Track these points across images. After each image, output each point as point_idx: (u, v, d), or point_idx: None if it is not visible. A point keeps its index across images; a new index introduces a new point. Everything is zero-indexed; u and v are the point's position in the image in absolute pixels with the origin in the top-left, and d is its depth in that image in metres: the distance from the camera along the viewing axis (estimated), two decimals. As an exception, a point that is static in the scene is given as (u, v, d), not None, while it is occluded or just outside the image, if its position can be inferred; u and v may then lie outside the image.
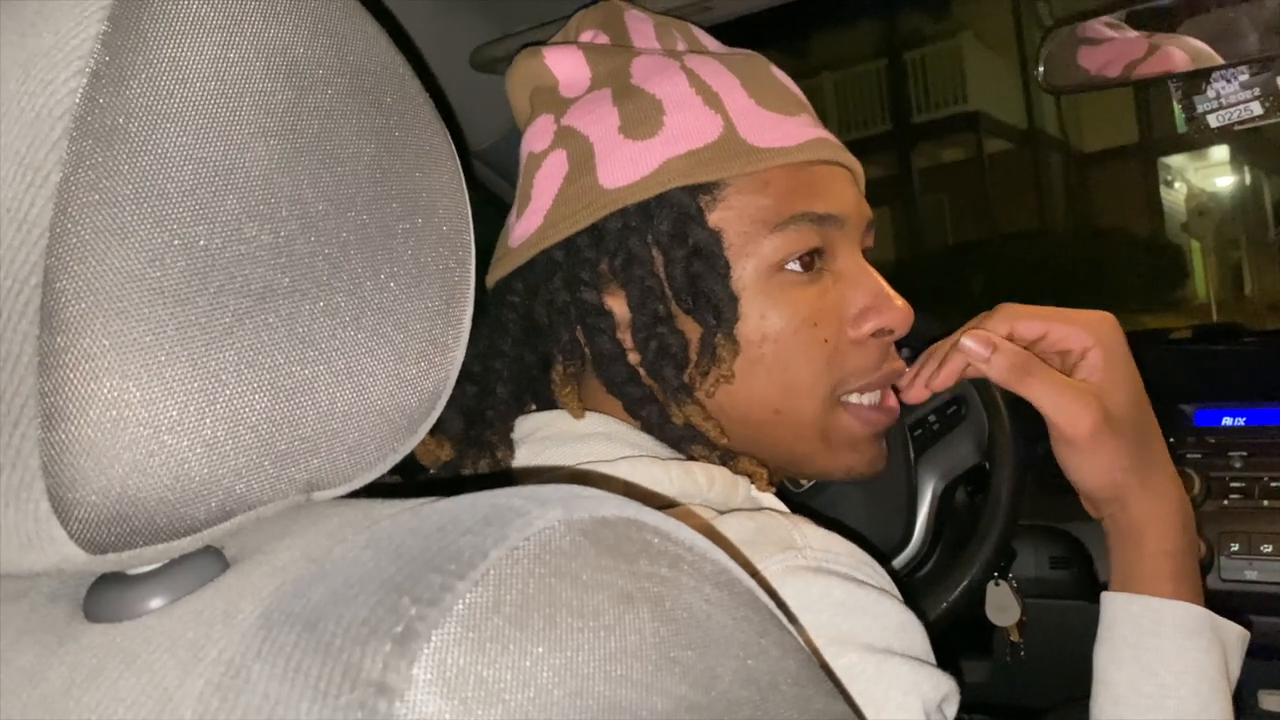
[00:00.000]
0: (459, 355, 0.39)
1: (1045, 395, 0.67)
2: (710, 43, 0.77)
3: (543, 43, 0.75)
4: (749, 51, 0.74)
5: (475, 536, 0.29)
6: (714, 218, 0.66)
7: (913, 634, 0.56)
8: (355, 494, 0.38)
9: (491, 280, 0.74)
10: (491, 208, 1.20)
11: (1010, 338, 0.70)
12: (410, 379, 0.36)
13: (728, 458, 0.66)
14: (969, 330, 0.70)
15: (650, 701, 0.28)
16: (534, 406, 0.72)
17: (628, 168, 0.66)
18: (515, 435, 0.69)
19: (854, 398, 0.70)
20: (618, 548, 0.31)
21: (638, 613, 0.30)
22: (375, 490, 0.38)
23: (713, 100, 0.67)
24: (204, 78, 0.33)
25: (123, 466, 0.30)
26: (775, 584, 0.52)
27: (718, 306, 0.65)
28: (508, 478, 0.66)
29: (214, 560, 0.34)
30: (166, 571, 0.33)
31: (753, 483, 0.65)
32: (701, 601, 0.32)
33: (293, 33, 0.35)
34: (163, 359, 0.30)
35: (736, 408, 0.67)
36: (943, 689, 0.54)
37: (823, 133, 0.70)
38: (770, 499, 0.65)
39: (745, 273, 0.66)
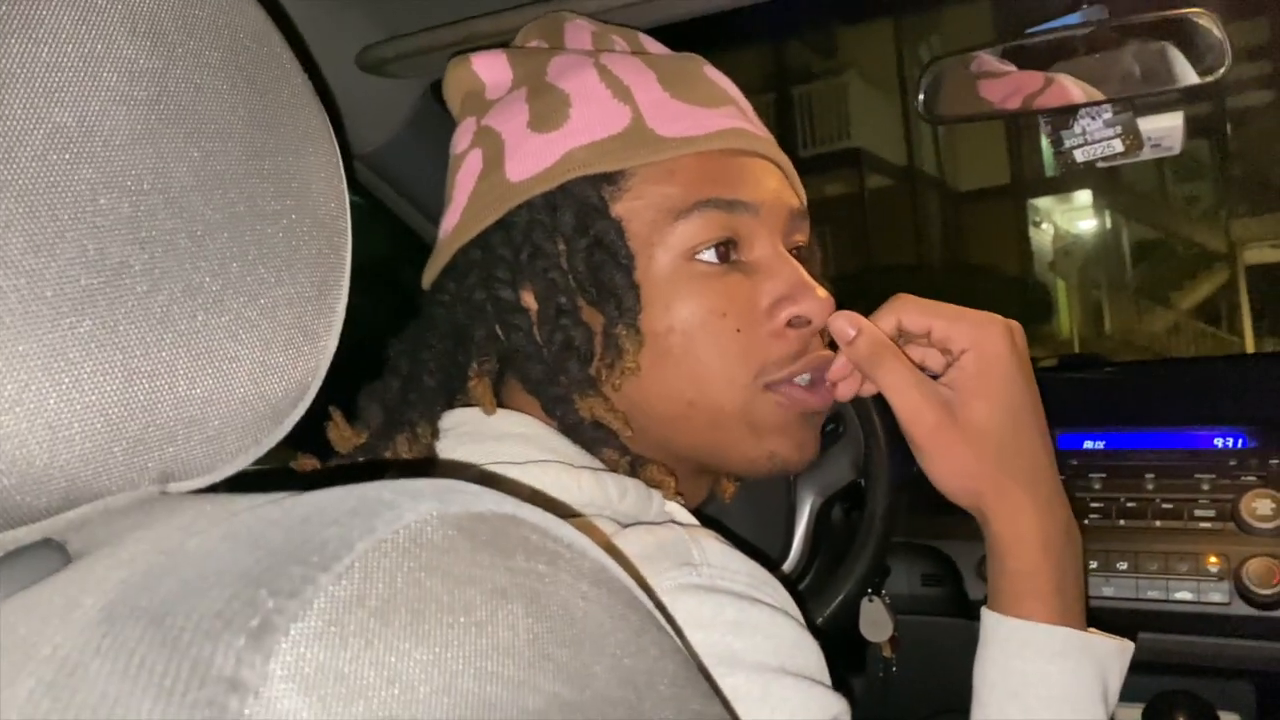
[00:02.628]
0: (331, 344, 0.37)
1: (893, 386, 0.66)
2: (654, 47, 0.77)
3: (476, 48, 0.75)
4: (689, 54, 0.74)
5: (341, 528, 0.28)
6: (619, 208, 0.65)
7: (807, 654, 0.55)
8: (215, 488, 0.36)
9: (425, 283, 0.74)
10: (376, 215, 1.17)
11: (899, 329, 0.69)
12: (276, 367, 0.35)
13: (638, 464, 0.65)
14: (843, 312, 0.69)
15: (522, 699, 0.27)
16: (463, 402, 0.70)
17: (532, 160, 0.66)
18: (440, 425, 0.67)
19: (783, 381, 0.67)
20: (493, 543, 0.30)
21: (511, 609, 0.29)
22: (239, 484, 0.36)
23: (622, 93, 0.67)
24: (59, 40, 0.31)
25: (-49, 449, 0.28)
26: (669, 600, 0.51)
27: (619, 297, 0.64)
28: (417, 470, 0.64)
29: (54, 554, 0.32)
30: (-1, 565, 0.31)
31: (661, 492, 0.64)
32: (578, 599, 0.31)
33: (161, 1, 0.33)
34: (1, 334, 0.28)
35: (649, 402, 0.66)
36: (832, 710, 0.54)
37: (744, 124, 0.69)
38: (683, 513, 0.64)
39: (653, 263, 0.65)
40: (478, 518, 0.30)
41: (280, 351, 0.35)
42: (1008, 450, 0.66)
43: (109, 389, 0.30)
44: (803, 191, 0.75)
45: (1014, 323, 0.68)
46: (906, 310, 0.69)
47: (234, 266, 0.33)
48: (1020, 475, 0.67)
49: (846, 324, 0.67)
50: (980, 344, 0.67)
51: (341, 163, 0.40)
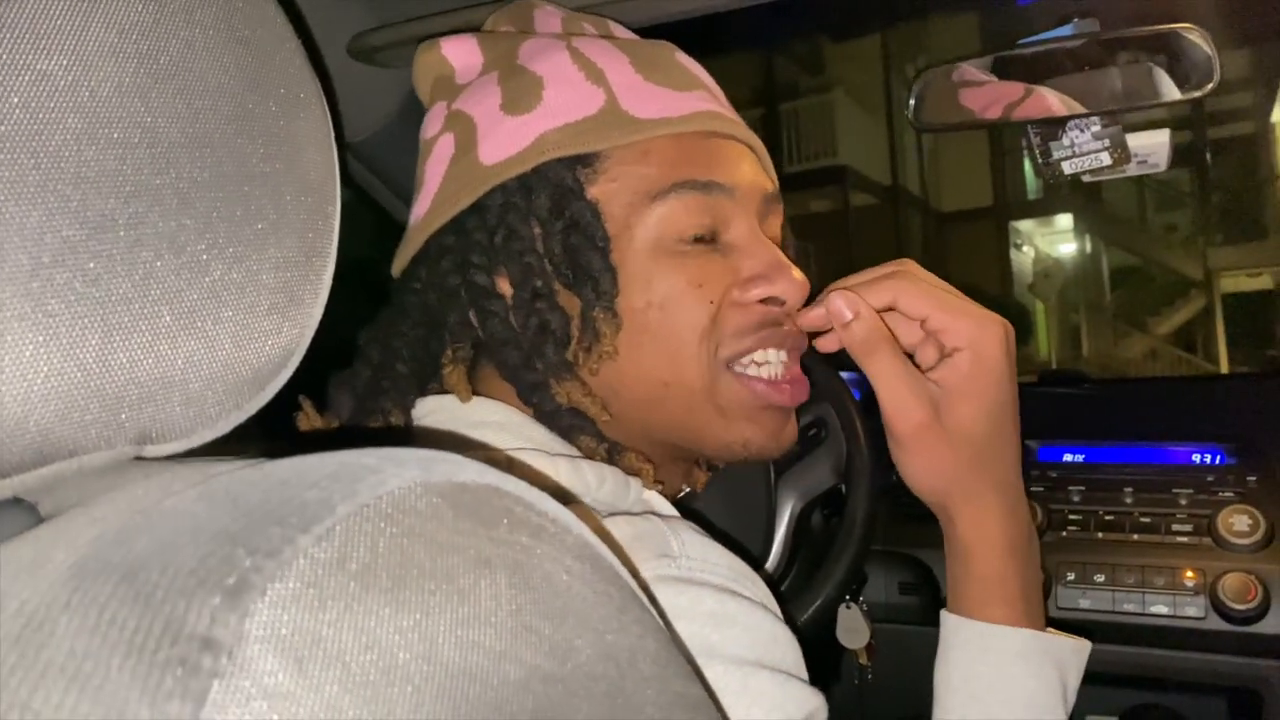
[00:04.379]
0: (316, 312, 0.37)
1: (883, 379, 0.65)
2: (623, 34, 0.76)
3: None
4: (659, 41, 0.74)
5: (322, 491, 0.27)
6: (595, 190, 0.65)
7: (784, 648, 0.55)
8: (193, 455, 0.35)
9: (396, 270, 0.73)
10: (363, 205, 1.17)
11: (892, 308, 0.68)
12: (260, 331, 0.34)
13: (615, 452, 0.65)
14: (842, 289, 0.67)
15: (502, 669, 0.27)
16: (437, 390, 0.69)
17: (505, 143, 0.66)
18: (413, 414, 0.67)
19: (751, 369, 0.68)
20: (476, 512, 0.29)
21: (494, 578, 0.28)
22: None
23: (595, 75, 0.67)
24: None
25: (-78, 397, 0.27)
26: None
27: (596, 279, 0.63)
28: (397, 440, 0.63)
29: (23, 513, 0.31)
30: (-34, 522, 0.30)
31: (639, 480, 0.64)
32: (562, 573, 0.30)
33: None
34: None
35: (626, 384, 0.65)
36: (809, 706, 0.54)
37: (717, 107, 0.69)
38: (661, 502, 0.63)
39: (631, 245, 0.64)
40: (461, 487, 0.30)
41: (264, 316, 0.34)
42: (985, 454, 0.66)
43: (88, 344, 0.30)
44: (774, 175, 0.74)
45: (1007, 322, 0.67)
46: (905, 293, 0.67)
47: (221, 227, 0.33)
48: (992, 479, 0.67)
49: (844, 306, 0.66)
50: (977, 345, 0.65)
51: (332, 131, 0.39)
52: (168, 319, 0.31)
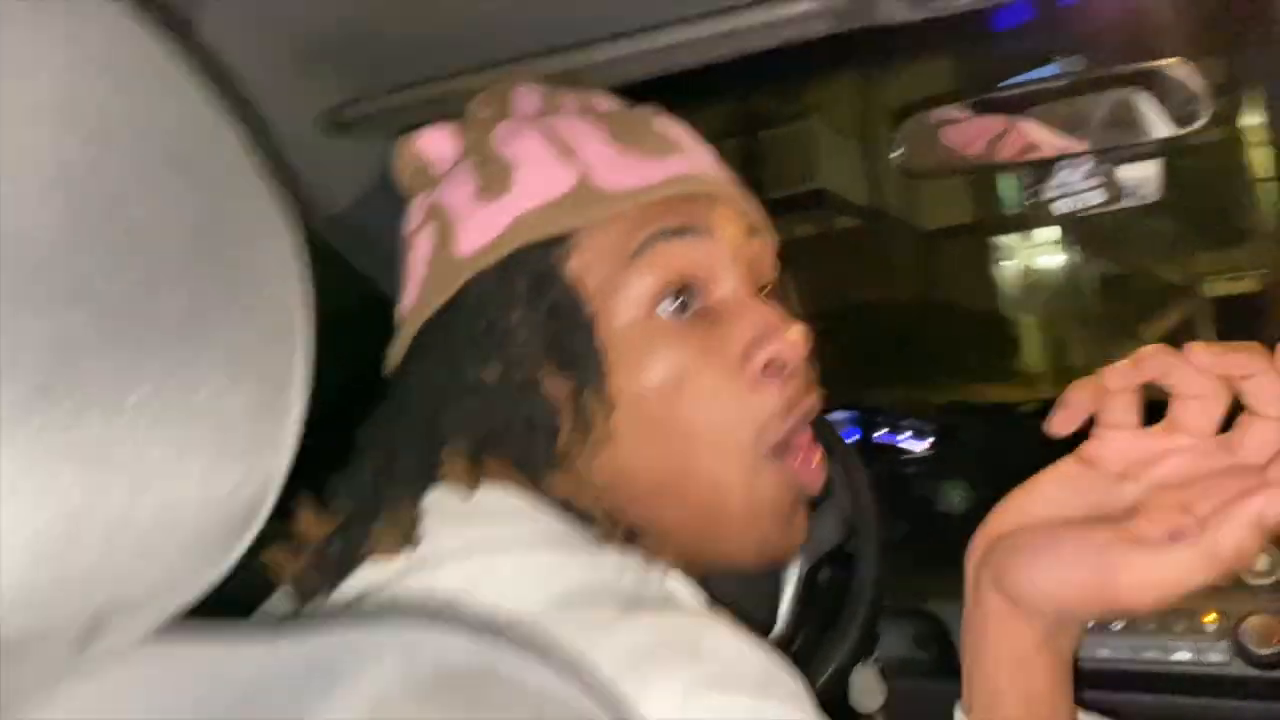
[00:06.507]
0: (287, 456, 0.34)
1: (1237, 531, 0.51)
2: (606, 104, 0.74)
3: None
4: (641, 107, 0.72)
5: (293, 698, 0.25)
6: (571, 267, 0.63)
7: None
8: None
9: (388, 368, 0.71)
10: (341, 275, 1.14)
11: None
12: (231, 486, 0.31)
13: (631, 536, 0.62)
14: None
15: None
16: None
17: (480, 232, 0.64)
18: (421, 507, 0.62)
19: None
20: (467, 703, 0.26)
21: None
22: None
23: (566, 153, 0.65)
24: None
25: None
26: (679, 702, 0.48)
27: (582, 361, 0.61)
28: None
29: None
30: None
31: (661, 562, 0.60)
32: None
33: (93, 82, 0.30)
34: None
35: (634, 472, 0.63)
36: None
37: (692, 170, 0.67)
38: (684, 592, 0.60)
39: (615, 319, 0.62)
40: (449, 676, 0.27)
41: (233, 466, 0.31)
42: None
43: (35, 522, 0.27)
44: (765, 226, 0.72)
45: None
46: None
47: (174, 382, 0.30)
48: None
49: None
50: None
51: (300, 252, 0.36)
52: (121, 487, 0.28)
